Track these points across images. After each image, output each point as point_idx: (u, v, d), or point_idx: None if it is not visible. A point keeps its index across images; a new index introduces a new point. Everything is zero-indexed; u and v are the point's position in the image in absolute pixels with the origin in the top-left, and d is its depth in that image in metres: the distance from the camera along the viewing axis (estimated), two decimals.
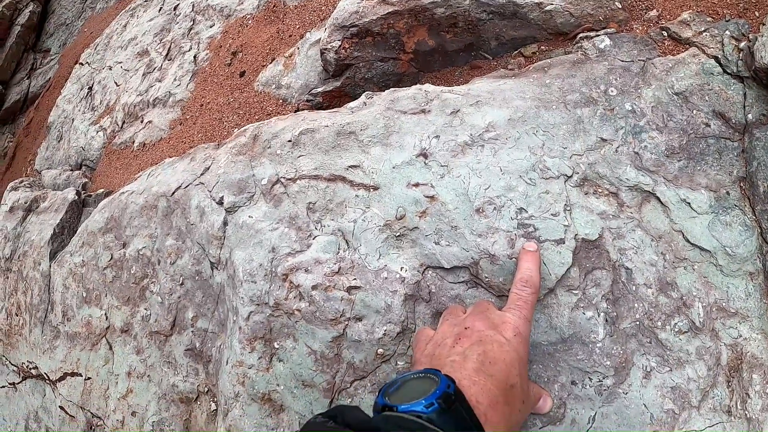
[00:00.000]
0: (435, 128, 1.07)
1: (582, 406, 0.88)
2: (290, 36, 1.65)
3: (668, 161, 1.03)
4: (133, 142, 2.09)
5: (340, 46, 1.27)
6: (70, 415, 1.68)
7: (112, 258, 1.53)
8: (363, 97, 1.20)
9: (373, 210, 1.03)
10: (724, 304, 0.94)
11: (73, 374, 1.65)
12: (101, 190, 1.98)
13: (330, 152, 1.12)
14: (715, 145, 1.06)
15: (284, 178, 1.15)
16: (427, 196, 1.00)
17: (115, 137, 2.30)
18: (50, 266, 1.78)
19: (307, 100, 1.42)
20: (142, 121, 2.11)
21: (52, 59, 5.62)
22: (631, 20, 1.24)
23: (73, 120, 2.83)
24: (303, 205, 1.10)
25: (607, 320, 0.91)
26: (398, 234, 1.00)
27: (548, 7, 1.18)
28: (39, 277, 1.82)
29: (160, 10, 2.74)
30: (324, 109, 1.37)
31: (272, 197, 1.15)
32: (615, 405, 0.88)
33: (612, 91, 1.10)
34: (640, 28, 1.22)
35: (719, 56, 1.14)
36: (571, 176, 1.02)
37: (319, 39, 1.48)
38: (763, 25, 1.13)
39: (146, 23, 2.75)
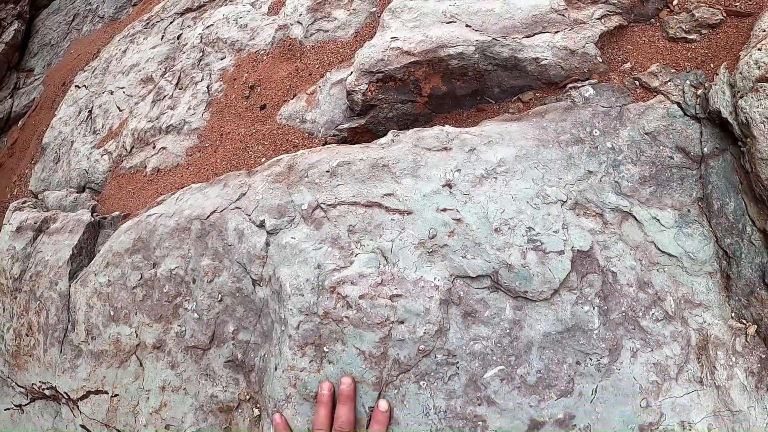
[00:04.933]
0: (456, 163, 1.71)
1: (586, 381, 1.46)
2: (310, 74, 2.28)
3: (641, 187, 1.71)
4: (145, 167, 2.60)
5: (366, 89, 1.92)
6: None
7: (141, 278, 2.01)
8: (390, 135, 1.84)
9: (408, 231, 1.63)
10: (690, 297, 1.58)
11: (97, 392, 2.05)
12: (116, 213, 2.45)
13: (366, 182, 1.73)
14: (678, 173, 1.75)
15: (324, 204, 1.74)
16: (454, 219, 1.62)
17: (122, 161, 2.80)
18: (69, 286, 2.22)
19: (334, 135, 2.03)
20: (154, 147, 2.63)
21: (36, 79, 6.31)
22: (609, 71, 1.97)
23: (72, 142, 3.30)
24: (344, 228, 1.68)
25: (600, 312, 1.53)
26: (431, 250, 1.60)
27: (543, 62, 1.90)
28: (56, 297, 2.24)
29: (162, 38, 3.33)
30: (349, 143, 2.00)
31: (313, 221, 1.73)
32: (611, 379, 1.47)
33: (596, 132, 1.80)
34: (617, 78, 1.96)
35: (681, 102, 1.87)
36: (566, 201, 1.67)
37: (341, 79, 2.13)
38: (716, 75, 1.89)
39: (149, 50, 3.32)
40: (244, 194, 1.78)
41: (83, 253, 2.21)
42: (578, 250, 1.53)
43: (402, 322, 1.46)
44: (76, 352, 2.10)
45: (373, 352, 1.44)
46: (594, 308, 1.46)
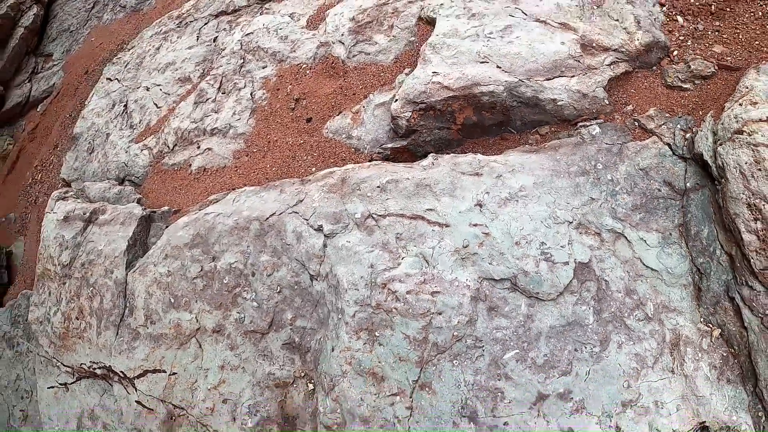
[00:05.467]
0: (486, 187, 2.16)
1: (581, 365, 1.95)
2: (354, 94, 2.70)
3: (633, 213, 2.19)
4: (190, 165, 3.00)
5: (410, 116, 2.35)
6: (149, 409, 2.49)
7: (202, 269, 2.44)
8: (430, 158, 2.29)
9: (446, 240, 2.09)
10: (666, 303, 2.08)
11: (155, 371, 2.48)
12: (165, 208, 2.85)
13: (411, 198, 2.18)
14: (664, 203, 2.24)
15: (375, 214, 2.18)
16: (483, 233, 2.08)
17: (164, 157, 3.19)
18: (126, 275, 2.63)
19: (378, 152, 2.46)
20: (198, 147, 3.03)
21: (55, 65, 6.65)
22: (614, 112, 2.44)
23: (107, 135, 3.67)
24: (392, 235, 2.13)
25: (594, 312, 2.02)
26: (464, 257, 2.06)
27: (560, 102, 2.35)
28: (112, 285, 2.66)
29: (197, 39, 3.70)
30: (391, 161, 2.44)
31: (365, 228, 2.18)
32: (601, 364, 1.96)
33: (599, 166, 2.27)
34: (620, 118, 2.42)
35: (671, 143, 2.35)
36: (572, 222, 2.15)
37: (384, 102, 2.57)
38: (703, 122, 2.36)
39: (185, 50, 3.70)
40: (301, 201, 2.21)
41: (137, 245, 2.62)
42: (580, 261, 2.00)
43: (440, 314, 1.92)
44: (133, 335, 2.51)
45: (416, 337, 1.90)
46: (590, 308, 1.94)
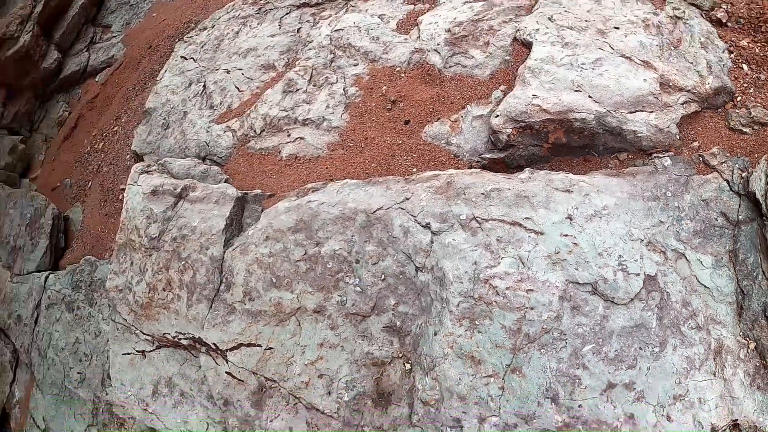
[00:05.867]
0: (575, 203, 2.58)
1: (644, 361, 2.42)
2: (451, 103, 3.06)
3: (693, 237, 2.65)
4: (279, 151, 3.33)
5: (510, 132, 2.74)
6: (239, 380, 2.87)
7: (305, 253, 2.81)
8: (527, 172, 2.68)
9: (540, 246, 2.50)
10: (714, 316, 2.56)
11: (250, 345, 2.86)
12: (258, 191, 3.18)
13: (512, 206, 2.58)
14: (719, 231, 2.70)
15: (479, 217, 2.58)
16: (572, 242, 2.50)
17: (249, 141, 3.50)
18: (224, 253, 2.97)
19: (477, 161, 2.84)
20: (288, 135, 3.35)
21: (114, 36, 6.96)
22: (683, 146, 2.86)
23: (185, 113, 3.94)
24: (494, 237, 2.54)
25: (657, 317, 2.48)
26: (554, 261, 2.48)
27: (639, 134, 2.76)
28: (207, 261, 3.00)
29: (280, 28, 3.98)
30: (487, 170, 2.82)
31: (470, 229, 2.57)
32: (659, 362, 2.43)
33: (668, 194, 2.70)
34: (688, 153, 2.86)
35: (729, 180, 2.80)
36: (643, 240, 2.59)
37: (481, 114, 2.94)
38: (758, 164, 2.81)
39: (267, 38, 3.97)
40: (408, 199, 2.60)
41: (234, 224, 2.97)
42: (648, 274, 2.46)
43: (532, 309, 2.36)
44: (228, 310, 2.88)
45: (511, 327, 2.35)
46: (654, 314, 2.41)
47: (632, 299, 2.48)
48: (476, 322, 2.45)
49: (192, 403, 3.10)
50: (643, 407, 2.40)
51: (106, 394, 3.89)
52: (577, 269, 2.48)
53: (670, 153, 2.84)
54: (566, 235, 2.53)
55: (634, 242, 2.57)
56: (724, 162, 2.85)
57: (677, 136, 2.85)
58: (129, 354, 3.33)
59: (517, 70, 3.00)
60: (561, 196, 2.60)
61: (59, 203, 5.25)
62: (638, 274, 2.51)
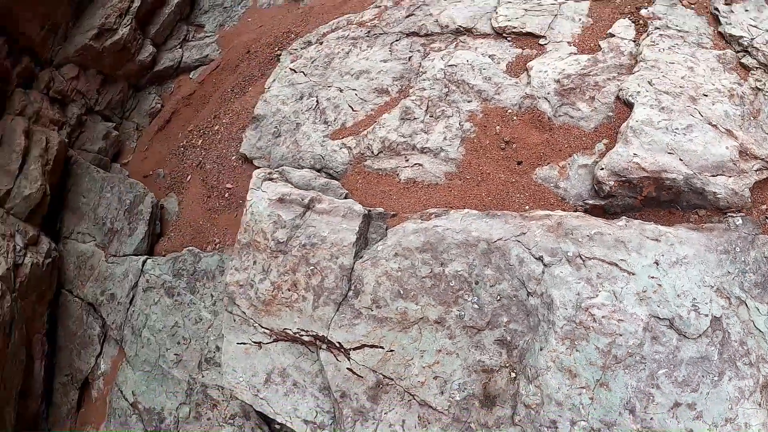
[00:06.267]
0: (662, 250, 3.55)
1: (705, 387, 3.45)
2: (559, 150, 3.98)
3: (754, 288, 3.65)
4: (397, 174, 4.24)
5: (612, 184, 3.69)
6: (358, 376, 3.84)
7: (431, 271, 3.76)
8: (624, 220, 3.65)
9: (631, 284, 3.48)
10: (764, 356, 3.58)
11: (373, 346, 3.81)
12: (380, 209, 4.10)
13: (610, 248, 3.54)
14: None
15: (583, 255, 3.54)
16: (657, 284, 3.49)
17: (365, 160, 4.42)
18: (353, 263, 3.89)
19: (581, 205, 3.79)
20: (406, 160, 4.25)
21: (207, 36, 8.32)
22: (752, 208, 3.83)
23: (298, 124, 4.89)
24: (594, 273, 3.50)
25: (718, 352, 3.48)
26: (641, 298, 3.47)
27: (718, 195, 3.73)
28: (336, 269, 3.93)
29: (391, 53, 4.91)
30: (589, 214, 3.78)
31: (575, 264, 3.54)
32: (717, 389, 3.46)
33: (737, 249, 3.68)
34: (756, 214, 3.83)
35: None
36: (713, 287, 3.59)
37: (586, 164, 3.88)
38: None
39: (379, 62, 4.91)
40: (524, 233, 3.57)
41: (361, 238, 3.92)
42: (714, 315, 3.46)
43: (621, 335, 3.35)
44: (355, 314, 3.84)
45: (603, 349, 3.34)
46: (716, 349, 3.42)
47: (700, 335, 3.47)
48: (575, 342, 3.42)
49: (303, 393, 4.06)
50: (700, 425, 3.41)
51: (203, 376, 4.84)
52: (658, 306, 3.46)
53: (742, 213, 3.81)
54: (653, 277, 3.50)
55: (706, 288, 3.55)
56: None
57: (749, 199, 3.82)
58: (245, 344, 4.27)
59: (618, 126, 3.96)
60: (651, 243, 3.57)
61: (152, 191, 6.11)
62: (707, 315, 3.50)
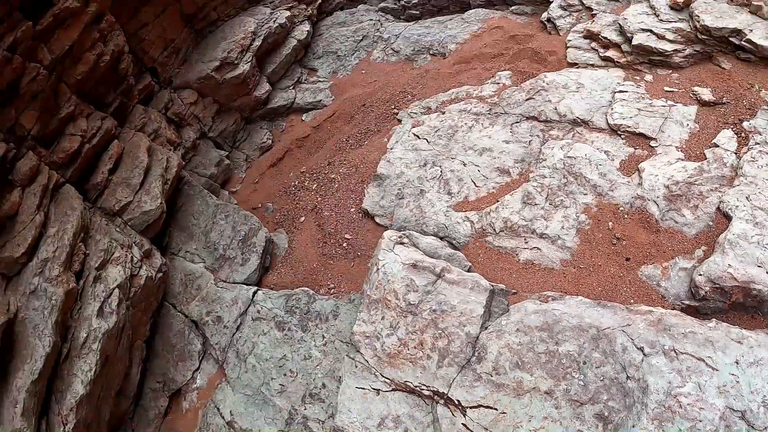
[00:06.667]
0: (742, 351, 4.90)
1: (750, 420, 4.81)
2: (664, 252, 5.28)
3: None
4: (516, 254, 5.60)
5: (708, 289, 5.01)
6: (470, 431, 5.23)
7: (547, 349, 5.15)
8: (714, 322, 5.02)
9: (713, 378, 4.87)
10: None
11: (488, 407, 5.24)
12: (502, 286, 5.46)
13: (701, 346, 4.91)
14: None
15: (677, 350, 4.91)
16: (735, 380, 4.86)
17: (486, 236, 5.80)
18: (479, 333, 5.26)
19: (678, 304, 5.09)
20: (526, 242, 5.58)
21: (320, 81, 10.25)
22: None
23: (422, 191, 6.32)
24: (685, 366, 4.88)
25: None
26: (721, 391, 4.86)
27: None
28: (463, 335, 5.34)
29: (512, 134, 6.30)
30: (685, 313, 5.10)
31: (668, 356, 4.90)
32: None
33: None
34: None
35: None
36: None
37: (685, 267, 5.22)
38: None
39: (501, 143, 6.31)
40: (629, 325, 4.92)
41: (487, 311, 5.24)
42: None
43: (701, 421, 4.83)
44: (476, 377, 5.27)
45: (684, 429, 4.70)
46: None
47: (765, 428, 4.78)
48: (663, 423, 4.81)
49: None
50: None
51: (305, 408, 6.24)
52: (734, 399, 4.80)
53: None
54: (733, 374, 4.83)
55: None
56: None
57: None
58: (363, 389, 5.71)
59: (716, 235, 5.31)
60: (734, 345, 4.89)
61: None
62: None
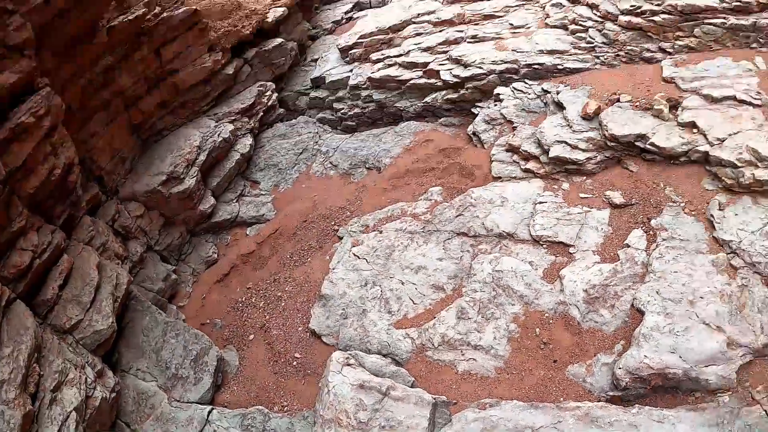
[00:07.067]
0: (666, 429, 6.34)
1: None
2: (586, 351, 6.92)
3: None
4: (455, 366, 7.40)
5: (627, 380, 6.62)
6: None
7: None
8: (636, 408, 6.68)
9: None
10: None
11: None
12: (443, 398, 7.10)
13: (626, 430, 6.36)
14: None
15: None
16: None
17: (426, 350, 7.63)
18: None
19: (603, 397, 6.64)
20: (462, 354, 7.34)
21: (263, 194, 12.30)
22: (738, 386, 6.58)
23: (364, 310, 8.31)
24: None
25: None
26: None
27: (710, 381, 6.67)
28: None
29: (444, 251, 8.07)
30: (611, 403, 6.65)
31: None
32: None
33: (725, 421, 6.56)
34: (741, 390, 6.66)
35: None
36: None
37: (607, 362, 6.88)
38: None
39: (435, 260, 8.37)
40: (560, 422, 6.61)
41: (431, 424, 6.80)
42: None
43: None
44: None
45: None
46: None
47: None
48: None
49: None
50: None
51: None
52: None
53: (729, 393, 6.55)
54: None
55: None
56: (765, 397, 6.50)
57: (735, 381, 6.62)
58: None
59: (632, 329, 6.96)
60: (656, 425, 6.46)
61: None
62: None
